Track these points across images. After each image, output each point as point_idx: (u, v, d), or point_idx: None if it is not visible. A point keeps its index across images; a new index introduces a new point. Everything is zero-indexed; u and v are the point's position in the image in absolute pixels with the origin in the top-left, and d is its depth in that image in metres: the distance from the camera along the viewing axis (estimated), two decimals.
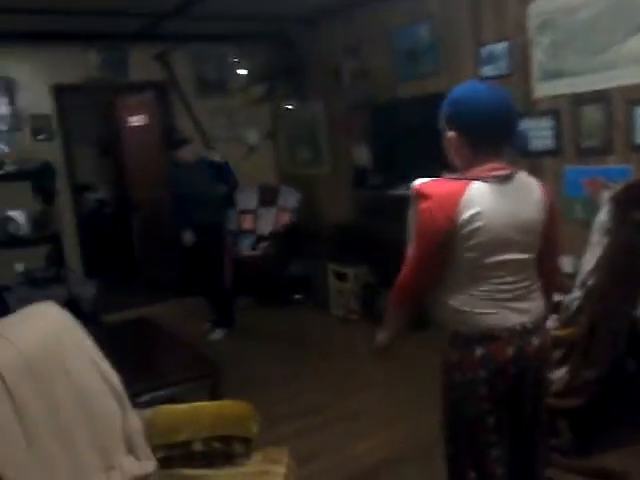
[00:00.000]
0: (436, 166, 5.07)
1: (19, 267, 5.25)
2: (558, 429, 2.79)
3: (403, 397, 3.71)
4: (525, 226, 1.78)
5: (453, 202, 1.70)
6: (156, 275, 7.10)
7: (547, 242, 1.86)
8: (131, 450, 2.12)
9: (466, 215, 1.70)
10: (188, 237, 5.00)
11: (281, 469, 2.10)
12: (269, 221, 6.31)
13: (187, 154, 5.07)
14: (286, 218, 6.21)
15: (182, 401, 3.16)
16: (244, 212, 6.42)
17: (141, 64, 5.99)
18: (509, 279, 1.79)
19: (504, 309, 1.79)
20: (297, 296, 5.94)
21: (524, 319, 1.81)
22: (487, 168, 1.75)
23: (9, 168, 5.34)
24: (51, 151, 5.65)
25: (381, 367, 4.16)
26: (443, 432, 1.95)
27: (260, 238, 6.22)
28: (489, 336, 1.78)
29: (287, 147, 6.73)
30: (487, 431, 1.84)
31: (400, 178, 4.98)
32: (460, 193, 1.70)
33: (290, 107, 6.29)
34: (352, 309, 5.24)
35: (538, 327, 1.85)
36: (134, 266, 7.58)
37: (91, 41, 5.70)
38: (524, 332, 1.80)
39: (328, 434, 3.31)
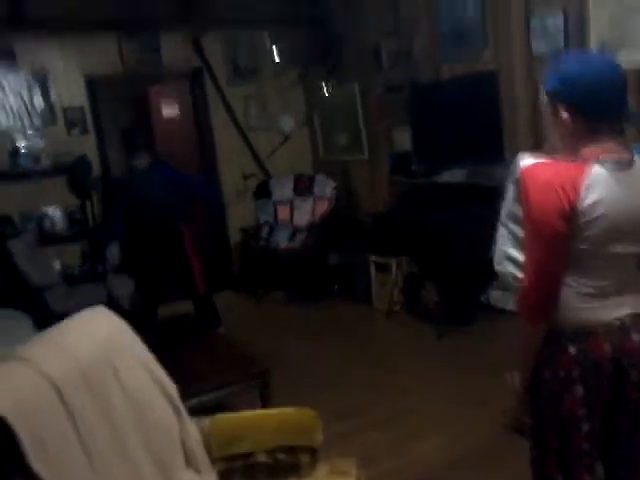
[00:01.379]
0: (483, 152, 4.88)
1: (56, 265, 5.18)
2: None
3: (456, 395, 3.54)
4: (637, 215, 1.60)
5: (574, 187, 1.52)
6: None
7: None
8: (190, 463, 2.00)
9: (587, 202, 1.52)
10: (114, 252, 4.72)
11: None
12: (306, 211, 6.16)
13: (143, 161, 4.66)
14: (323, 208, 6.05)
15: (230, 405, 3.09)
16: (279, 203, 6.27)
17: (174, 52, 5.85)
18: (613, 272, 1.64)
19: (603, 303, 1.65)
20: (337, 288, 5.79)
21: (623, 312, 1.66)
22: (603, 149, 1.57)
23: (45, 164, 5.27)
24: (86, 145, 5.56)
25: (429, 364, 4.02)
26: (529, 435, 1.83)
27: (297, 229, 6.07)
28: (585, 332, 1.64)
29: (323, 133, 6.54)
30: (580, 438, 1.69)
31: (444, 164, 4.79)
32: (581, 175, 1.53)
33: (326, 91, 6.10)
34: (395, 301, 5.07)
35: (638, 322, 1.68)
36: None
37: (124, 29, 5.57)
38: (623, 327, 1.65)
39: (380, 435, 3.17)
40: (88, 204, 5.58)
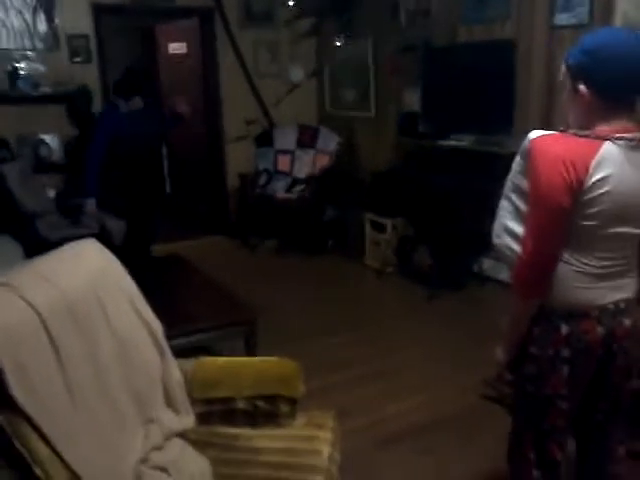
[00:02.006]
0: (493, 120, 4.80)
1: (50, 193, 5.11)
2: None
3: (441, 357, 3.57)
4: None
5: (585, 163, 1.50)
6: (187, 210, 6.98)
7: None
8: (170, 403, 2.01)
9: (595, 178, 1.50)
10: (90, 206, 4.54)
11: (327, 435, 1.97)
12: (306, 163, 6.08)
13: (139, 101, 4.61)
14: (324, 161, 5.98)
15: (215, 350, 3.10)
16: (281, 152, 6.19)
17: None
18: (614, 254, 1.62)
19: (599, 285, 1.63)
20: (330, 243, 5.78)
21: (618, 297, 1.65)
22: (618, 128, 1.54)
23: (45, 90, 5.15)
24: (88, 74, 5.42)
25: (417, 326, 4.04)
26: (510, 407, 1.87)
27: (296, 181, 6.01)
28: (578, 313, 1.63)
29: (331, 87, 6.42)
30: (557, 415, 1.72)
31: (452, 128, 4.72)
32: (592, 153, 1.50)
33: (338, 44, 5.95)
34: (388, 261, 5.07)
35: (631, 307, 1.69)
36: (164, 199, 7.45)
37: None
38: (617, 311, 1.65)
39: (361, 391, 3.19)
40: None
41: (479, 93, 4.50)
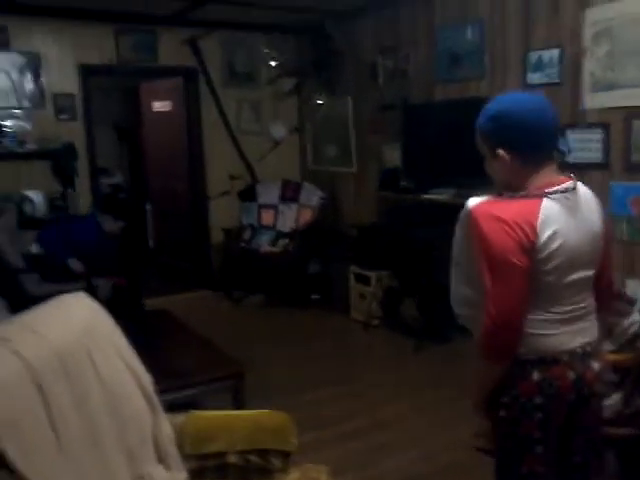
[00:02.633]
0: (472, 174, 4.90)
1: (34, 249, 5.08)
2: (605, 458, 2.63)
3: (430, 410, 3.55)
4: (593, 239, 1.67)
5: (530, 223, 1.55)
6: (171, 265, 6.96)
7: (605, 256, 1.75)
8: (161, 459, 1.97)
9: (544, 237, 1.55)
10: (75, 264, 4.65)
11: None
12: (290, 218, 6.15)
13: None
14: (308, 216, 6.05)
15: (202, 405, 3.04)
16: (264, 207, 6.25)
17: (171, 49, 5.84)
18: (575, 299, 1.67)
19: (565, 329, 1.66)
20: (315, 297, 5.78)
21: (583, 340, 1.69)
22: (547, 182, 1.62)
23: (30, 147, 5.19)
24: (73, 132, 5.49)
25: (405, 379, 4.02)
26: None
27: (280, 235, 6.06)
28: (548, 359, 1.65)
29: (313, 143, 6.56)
30: (534, 461, 1.70)
31: (433, 183, 4.82)
32: (535, 212, 1.56)
33: (320, 102, 6.12)
34: (373, 314, 5.08)
35: (597, 350, 1.74)
36: (147, 255, 7.44)
37: (121, 22, 5.56)
38: (585, 355, 1.69)
39: (354, 446, 3.15)
40: (70, 191, 5.52)
41: (457, 148, 4.62)
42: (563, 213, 1.59)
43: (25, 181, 5.27)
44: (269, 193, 6.26)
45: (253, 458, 1.98)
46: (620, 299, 2.78)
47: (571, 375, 1.65)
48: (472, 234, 1.61)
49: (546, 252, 1.56)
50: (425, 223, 4.78)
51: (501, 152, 1.62)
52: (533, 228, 1.54)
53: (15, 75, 5.24)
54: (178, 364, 3.09)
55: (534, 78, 4.12)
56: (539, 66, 4.09)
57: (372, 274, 5.07)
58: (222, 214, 6.24)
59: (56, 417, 1.60)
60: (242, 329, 5.07)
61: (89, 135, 5.66)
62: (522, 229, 1.54)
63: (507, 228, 1.54)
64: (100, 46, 5.53)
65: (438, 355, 4.41)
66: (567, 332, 1.66)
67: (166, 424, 2.02)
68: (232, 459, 1.98)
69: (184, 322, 3.84)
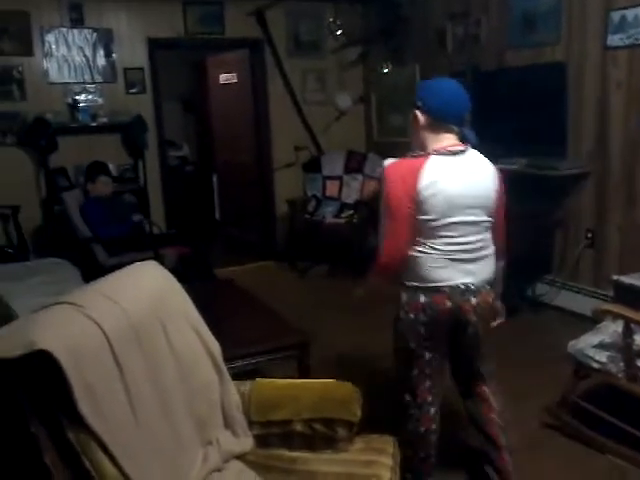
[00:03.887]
0: (544, 142, 4.72)
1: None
2: None
3: (498, 384, 3.46)
4: (476, 192, 2.09)
5: (415, 174, 2.02)
6: (236, 236, 7.07)
7: (497, 213, 2.23)
8: (228, 425, 2.01)
9: (425, 183, 2.01)
10: (102, 256, 4.59)
11: (387, 460, 1.93)
12: (354, 189, 6.11)
13: (104, 187, 4.87)
14: (372, 187, 5.98)
15: (267, 373, 3.08)
16: (329, 178, 6.23)
17: (237, 21, 5.85)
18: (460, 240, 2.10)
19: (451, 267, 2.11)
20: None
21: (468, 280, 2.12)
22: (444, 146, 2.09)
23: (102, 120, 5.34)
24: (142, 105, 5.61)
25: None
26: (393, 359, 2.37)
27: (344, 206, 6.03)
28: (432, 288, 2.12)
29: (379, 113, 6.46)
30: (423, 364, 2.24)
31: (502, 152, 4.65)
32: (422, 166, 2.03)
33: (386, 71, 5.99)
34: None
35: (479, 289, 2.16)
36: (213, 226, 7.58)
37: None
38: (466, 291, 2.12)
39: None
40: (140, 163, 5.66)
41: (530, 116, 4.46)
42: (446, 167, 2.05)
43: (97, 153, 5.43)
44: (334, 164, 6.23)
45: (318, 427, 1.98)
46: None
47: (448, 304, 2.12)
48: (383, 186, 2.10)
49: (425, 196, 2.02)
50: None
51: (417, 112, 2.12)
52: (417, 178, 2.01)
53: (89, 51, 5.39)
54: (244, 333, 3.12)
55: (615, 40, 3.90)
56: (622, 26, 3.85)
57: None
58: (287, 185, 6.25)
59: (130, 384, 1.64)
60: (306, 299, 5.09)
61: (157, 108, 5.77)
62: (410, 179, 2.02)
63: (401, 180, 2.04)
64: (168, 20, 5.60)
65: (506, 329, 4.27)
66: (452, 270, 2.11)
67: (233, 391, 2.05)
68: (297, 427, 2.00)
69: (249, 292, 3.89)
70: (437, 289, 2.11)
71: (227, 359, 2.18)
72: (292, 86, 6.20)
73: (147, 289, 1.94)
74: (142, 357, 1.73)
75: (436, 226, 2.06)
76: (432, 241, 2.08)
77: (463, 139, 2.13)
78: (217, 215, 7.74)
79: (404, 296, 2.19)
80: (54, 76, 5.28)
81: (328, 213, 6.00)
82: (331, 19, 5.92)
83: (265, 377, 2.40)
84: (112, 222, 4.74)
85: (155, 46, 5.63)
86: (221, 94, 6.97)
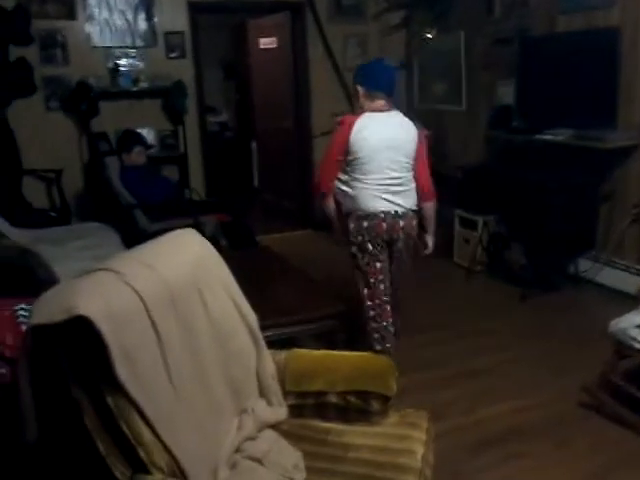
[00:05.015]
0: (593, 113, 4.55)
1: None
2: None
3: (534, 360, 3.44)
4: (395, 138, 2.89)
5: (352, 125, 2.86)
6: (274, 204, 7.07)
7: (417, 160, 3.00)
8: (263, 394, 2.03)
9: (357, 131, 2.85)
10: (143, 221, 4.60)
11: (421, 435, 1.92)
12: None
13: (138, 157, 4.87)
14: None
15: (302, 343, 3.09)
16: None
17: None
18: (386, 176, 2.90)
19: (382, 199, 2.92)
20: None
21: (395, 208, 2.94)
22: (376, 108, 2.94)
23: (143, 85, 5.35)
24: (182, 70, 5.59)
25: (509, 327, 3.90)
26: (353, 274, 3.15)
27: None
28: (372, 215, 2.94)
29: (420, 80, 6.31)
30: (374, 271, 3.03)
31: (548, 122, 4.52)
32: (356, 120, 2.88)
33: (429, 37, 5.84)
34: (477, 260, 4.93)
35: (405, 214, 2.97)
36: (252, 194, 7.59)
37: None
38: (395, 216, 2.94)
39: (452, 393, 3.12)
40: (180, 129, 5.67)
41: (579, 85, 4.29)
42: (373, 121, 2.88)
43: (138, 119, 5.45)
44: None
45: (353, 399, 1.98)
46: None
47: (384, 225, 2.94)
48: (334, 133, 2.99)
49: (355, 139, 2.85)
50: (538, 165, 4.52)
51: (358, 87, 2.99)
52: (351, 128, 2.85)
53: (130, 15, 5.37)
54: (282, 301, 3.13)
55: None
56: None
57: (479, 218, 4.90)
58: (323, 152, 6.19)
59: (167, 351, 1.65)
60: (343, 270, 5.06)
61: (197, 73, 5.75)
62: (347, 129, 2.86)
63: (342, 130, 2.89)
64: None
65: (546, 305, 4.24)
66: (384, 201, 2.92)
67: (269, 360, 2.06)
68: (332, 399, 2.00)
69: (288, 260, 3.89)
70: (375, 216, 2.92)
71: (264, 327, 2.19)
72: (333, 51, 6.09)
73: (186, 257, 1.94)
74: (179, 324, 1.74)
75: (365, 163, 2.88)
76: (365, 178, 2.90)
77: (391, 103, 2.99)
78: (255, 182, 7.75)
79: (352, 225, 2.98)
80: (96, 40, 5.29)
81: None
82: None
83: (300, 347, 2.41)
84: (151, 188, 4.78)
85: (196, 9, 5.58)
86: (261, 59, 6.90)
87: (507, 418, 2.89)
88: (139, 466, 1.53)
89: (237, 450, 1.83)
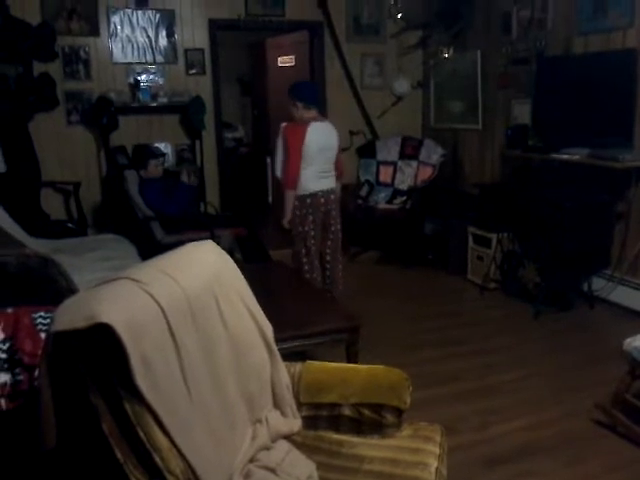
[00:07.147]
0: (608, 133, 4.58)
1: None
2: None
3: (547, 378, 3.43)
4: (327, 141, 3.97)
5: (304, 132, 3.82)
6: None
7: (337, 156, 4.10)
8: (277, 405, 2.04)
9: (308, 137, 3.83)
10: (160, 233, 4.70)
11: (435, 449, 1.92)
12: (409, 175, 6.05)
13: (155, 169, 4.97)
14: (427, 174, 5.91)
15: (316, 356, 3.11)
16: (383, 163, 6.19)
17: (297, 3, 5.87)
18: (323, 166, 3.97)
19: (319, 181, 3.96)
20: (431, 256, 5.70)
21: (328, 187, 4.02)
22: (311, 118, 3.91)
23: (162, 100, 5.44)
24: (201, 86, 5.69)
25: (523, 344, 3.89)
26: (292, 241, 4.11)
27: (397, 192, 5.98)
28: (313, 194, 3.95)
29: (436, 99, 6.36)
30: (313, 239, 4.02)
31: (565, 142, 4.53)
32: (306, 128, 3.84)
33: (446, 56, 5.89)
34: (491, 277, 4.93)
35: (333, 190, 4.08)
36: (266, 208, 7.64)
37: None
38: (328, 192, 4.02)
39: (465, 408, 3.11)
40: (197, 144, 5.75)
41: (595, 105, 4.31)
42: (316, 129, 3.87)
43: (156, 133, 5.54)
44: (388, 149, 6.18)
45: (366, 412, 1.99)
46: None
47: (322, 200, 3.98)
48: (284, 139, 3.88)
49: (307, 144, 3.83)
50: (554, 184, 4.53)
51: (296, 102, 3.89)
52: (304, 135, 3.82)
53: (151, 32, 5.49)
54: (295, 314, 3.15)
55: None
56: None
57: (493, 236, 4.90)
58: None
59: (185, 359, 1.67)
60: (357, 285, 5.10)
61: (216, 89, 5.84)
62: (301, 135, 3.81)
63: (298, 136, 3.82)
64: (229, 1, 5.64)
65: (559, 322, 4.23)
66: (321, 182, 3.97)
67: (284, 372, 2.08)
68: (346, 411, 2.01)
69: (301, 274, 3.92)
70: (316, 194, 3.95)
71: (278, 340, 2.20)
72: (350, 70, 6.16)
73: (204, 268, 1.97)
74: (197, 334, 1.77)
75: (311, 158, 3.86)
76: (311, 167, 3.88)
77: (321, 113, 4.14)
78: (270, 198, 7.80)
79: (297, 202, 3.93)
80: (118, 56, 5.41)
81: (381, 199, 5.97)
82: (392, 2, 5.84)
83: (314, 359, 2.43)
84: (169, 200, 4.84)
85: (216, 27, 5.68)
86: (278, 76, 6.98)
87: (520, 435, 2.88)
88: (155, 473, 1.55)
89: (251, 460, 1.85)
